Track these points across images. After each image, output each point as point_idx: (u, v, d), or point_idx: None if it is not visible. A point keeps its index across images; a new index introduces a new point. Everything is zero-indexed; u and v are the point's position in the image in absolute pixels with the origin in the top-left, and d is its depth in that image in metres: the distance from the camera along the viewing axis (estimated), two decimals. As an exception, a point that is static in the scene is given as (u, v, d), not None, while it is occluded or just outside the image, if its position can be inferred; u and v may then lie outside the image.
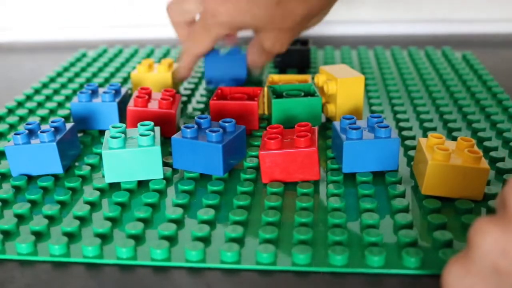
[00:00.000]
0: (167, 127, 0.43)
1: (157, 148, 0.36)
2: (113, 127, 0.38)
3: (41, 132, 0.37)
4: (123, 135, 0.36)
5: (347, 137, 0.37)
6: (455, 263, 0.23)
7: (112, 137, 0.36)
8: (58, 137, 0.38)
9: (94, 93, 0.45)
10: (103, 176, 0.37)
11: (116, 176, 0.36)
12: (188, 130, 0.37)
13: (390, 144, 0.36)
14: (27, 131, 0.38)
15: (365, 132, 0.37)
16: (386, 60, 0.62)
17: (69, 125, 0.40)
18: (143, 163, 0.36)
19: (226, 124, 0.37)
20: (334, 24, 0.73)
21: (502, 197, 0.23)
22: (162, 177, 0.37)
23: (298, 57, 0.59)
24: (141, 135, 0.36)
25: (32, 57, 0.70)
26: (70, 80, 0.58)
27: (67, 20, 0.77)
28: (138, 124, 0.38)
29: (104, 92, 0.44)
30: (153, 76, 0.51)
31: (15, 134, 0.37)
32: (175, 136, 0.37)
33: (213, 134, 0.36)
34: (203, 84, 0.57)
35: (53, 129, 0.38)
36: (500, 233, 0.22)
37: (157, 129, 0.38)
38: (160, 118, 0.43)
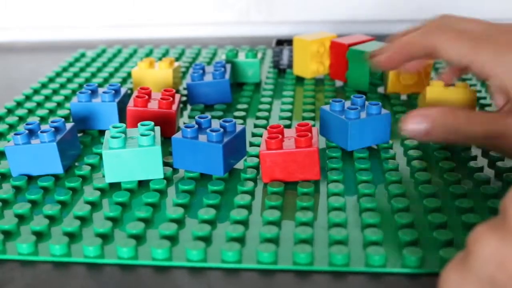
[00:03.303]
0: (167, 127, 0.43)
1: (158, 148, 0.36)
2: (113, 127, 0.38)
3: (41, 132, 0.37)
4: (123, 135, 0.36)
5: (348, 117, 0.39)
6: (453, 270, 0.23)
7: (113, 137, 0.36)
8: (58, 137, 0.38)
9: (93, 93, 0.45)
10: (103, 176, 0.37)
11: (116, 176, 0.36)
12: (189, 129, 0.37)
13: (384, 119, 0.40)
14: (27, 131, 0.38)
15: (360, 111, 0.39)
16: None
17: (69, 125, 0.40)
18: (144, 163, 0.36)
19: (226, 124, 0.37)
20: (333, 24, 0.73)
21: (503, 205, 0.22)
22: (162, 177, 0.37)
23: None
24: (142, 135, 0.36)
25: (32, 57, 0.69)
26: (69, 80, 0.58)
27: (67, 20, 0.77)
28: (138, 124, 0.38)
29: (104, 92, 0.44)
30: (154, 73, 0.51)
31: (15, 134, 0.37)
32: (175, 136, 0.37)
33: (214, 133, 0.36)
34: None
35: (53, 129, 0.38)
36: (499, 244, 0.21)
37: (157, 129, 0.38)
38: (160, 118, 0.43)
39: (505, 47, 0.33)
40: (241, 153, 0.39)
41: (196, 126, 0.37)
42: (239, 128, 0.38)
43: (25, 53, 0.72)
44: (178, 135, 0.37)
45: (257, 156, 0.40)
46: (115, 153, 0.36)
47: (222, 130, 0.36)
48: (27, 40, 0.75)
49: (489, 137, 0.34)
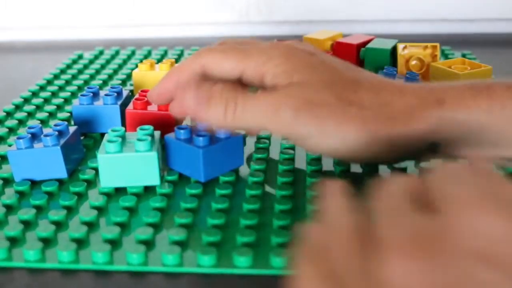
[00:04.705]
0: (166, 130, 0.42)
1: (154, 154, 0.35)
2: (112, 130, 0.37)
3: (44, 136, 0.37)
4: (120, 139, 0.35)
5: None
6: None
7: (109, 141, 0.35)
8: (62, 140, 0.37)
9: (95, 95, 0.45)
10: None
11: (112, 181, 0.36)
12: (182, 131, 0.36)
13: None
14: (29, 135, 0.37)
15: None
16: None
17: (72, 129, 0.39)
18: (139, 168, 0.35)
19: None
20: (334, 23, 0.73)
21: None
22: (159, 183, 0.36)
23: None
24: (139, 139, 0.36)
25: (32, 57, 0.69)
26: (68, 82, 0.57)
27: (66, 20, 0.76)
28: (138, 128, 0.37)
29: (106, 95, 0.44)
30: (155, 74, 0.51)
31: (18, 138, 0.37)
32: (168, 135, 0.37)
33: (200, 138, 0.35)
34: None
35: (56, 132, 0.37)
36: None
37: (157, 133, 0.38)
38: (160, 120, 0.42)
39: (269, 48, 0.35)
40: (235, 161, 0.38)
41: (191, 128, 0.37)
42: (233, 135, 0.37)
43: (25, 53, 0.71)
44: (170, 135, 0.37)
45: (263, 159, 0.40)
46: (111, 157, 0.35)
47: (208, 135, 0.35)
48: (27, 40, 0.74)
49: None
